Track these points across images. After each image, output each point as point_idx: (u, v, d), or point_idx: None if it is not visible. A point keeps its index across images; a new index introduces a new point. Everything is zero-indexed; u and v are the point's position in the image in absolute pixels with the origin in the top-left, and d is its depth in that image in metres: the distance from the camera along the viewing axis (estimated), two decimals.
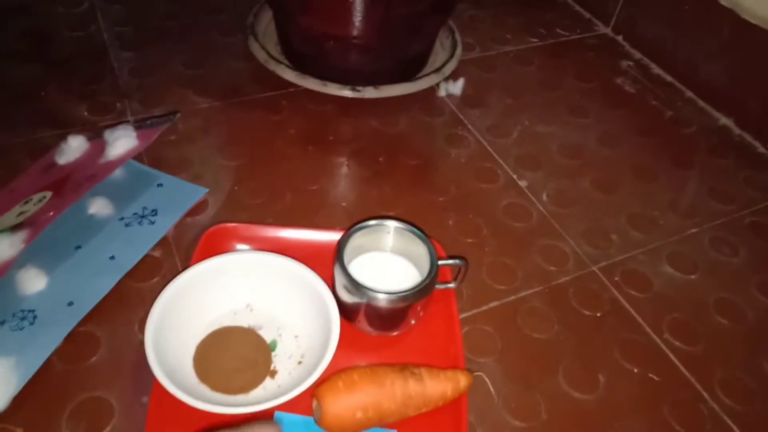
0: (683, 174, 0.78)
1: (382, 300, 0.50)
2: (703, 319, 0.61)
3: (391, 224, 0.54)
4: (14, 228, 0.55)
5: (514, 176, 0.74)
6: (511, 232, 0.67)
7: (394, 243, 0.56)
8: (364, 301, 0.50)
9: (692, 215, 0.72)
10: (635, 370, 0.55)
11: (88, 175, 0.60)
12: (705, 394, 0.54)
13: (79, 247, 0.57)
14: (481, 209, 0.69)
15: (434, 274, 0.51)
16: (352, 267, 0.54)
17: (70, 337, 0.52)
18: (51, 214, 0.55)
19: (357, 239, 0.54)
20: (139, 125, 0.70)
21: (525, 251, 0.65)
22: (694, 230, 0.70)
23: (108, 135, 0.64)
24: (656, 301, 0.62)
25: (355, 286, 0.50)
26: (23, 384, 0.48)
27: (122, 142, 0.61)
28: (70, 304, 0.53)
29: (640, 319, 0.60)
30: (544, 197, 0.72)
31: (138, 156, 0.68)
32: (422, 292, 0.51)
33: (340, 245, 0.52)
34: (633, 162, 0.78)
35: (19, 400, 0.48)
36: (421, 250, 0.54)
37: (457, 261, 0.54)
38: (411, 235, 0.54)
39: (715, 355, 0.57)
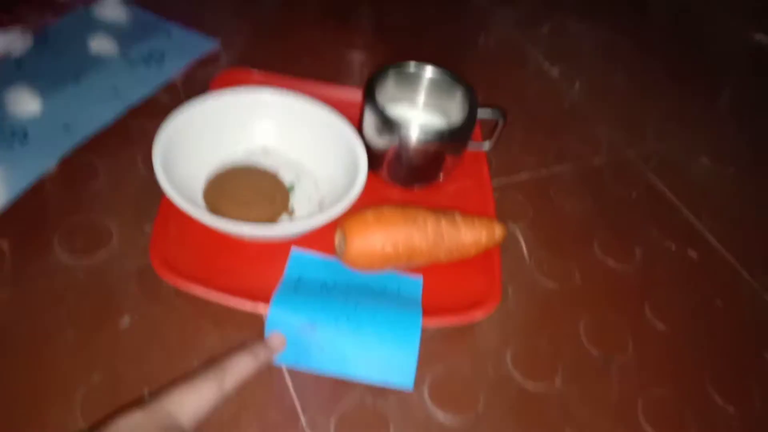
0: (720, 81, 0.74)
1: (414, 139, 0.45)
2: (743, 207, 0.58)
3: (428, 70, 0.50)
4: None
5: (546, 65, 0.70)
6: (544, 114, 0.63)
7: (427, 95, 0.51)
8: (394, 141, 0.46)
9: (729, 118, 0.68)
10: (673, 247, 0.52)
11: None
12: (745, 274, 0.51)
13: (78, 77, 0.52)
14: (510, 92, 0.65)
15: (472, 118, 0.47)
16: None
17: (67, 163, 0.47)
18: (47, 19, 0.49)
19: (388, 83, 0.49)
20: None
21: (557, 133, 0.61)
22: (730, 130, 0.66)
23: None
24: (693, 188, 0.58)
25: (385, 123, 0.46)
26: (12, 198, 0.43)
27: None
28: (66, 127, 0.48)
29: (677, 202, 0.56)
30: (577, 86, 0.68)
31: (142, 3, 0.62)
32: (457, 135, 0.47)
33: (371, 83, 0.48)
34: (668, 64, 0.74)
35: (5, 216, 0.43)
36: (456, 100, 0.49)
37: (496, 112, 0.49)
38: (448, 82, 0.50)
39: (754, 240, 0.54)
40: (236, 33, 0.64)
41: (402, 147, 0.46)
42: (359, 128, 0.48)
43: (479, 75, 0.64)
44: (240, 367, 0.34)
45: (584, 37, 0.76)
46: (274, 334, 0.37)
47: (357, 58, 0.65)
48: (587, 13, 0.80)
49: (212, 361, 0.33)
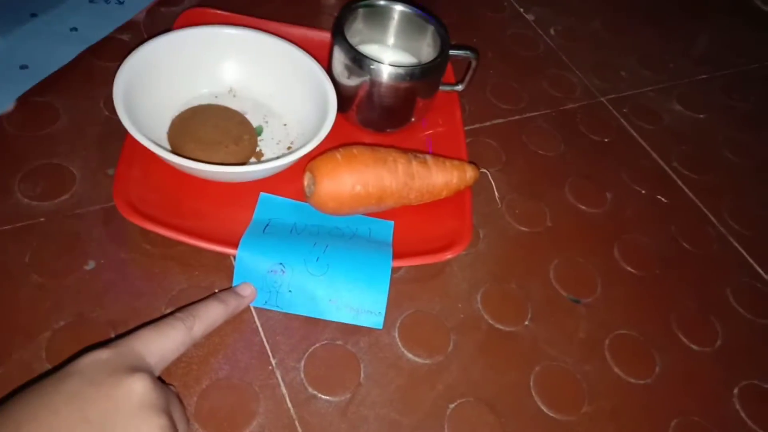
0: (696, 25, 0.74)
1: (385, 75, 0.44)
2: (712, 153, 0.58)
3: (398, 6, 0.48)
4: None
5: (521, 10, 0.68)
6: (518, 59, 0.62)
7: (397, 33, 0.50)
8: (365, 80, 0.45)
9: (703, 63, 0.68)
10: (643, 192, 0.52)
11: None
12: (712, 218, 0.52)
13: (35, 15, 0.50)
14: (485, 35, 0.64)
15: (445, 56, 0.46)
16: None
17: (25, 104, 0.45)
18: None
19: (357, 22, 0.48)
20: None
21: (531, 78, 0.60)
22: (704, 76, 0.66)
23: None
24: (665, 134, 0.58)
25: (354, 61, 0.44)
26: None
27: None
28: (24, 67, 0.46)
29: (648, 148, 0.56)
30: (552, 32, 0.66)
31: None
32: (429, 73, 0.46)
33: (339, 20, 0.46)
34: (645, 9, 0.74)
35: None
36: (428, 39, 0.48)
37: (468, 51, 0.49)
38: (418, 19, 0.48)
39: (723, 185, 0.55)
40: None
41: (373, 86, 0.45)
42: (328, 70, 0.47)
43: (454, 18, 0.63)
44: (209, 314, 0.34)
45: None
46: (244, 284, 0.37)
47: (330, 7, 0.63)
48: None
49: (181, 310, 0.33)
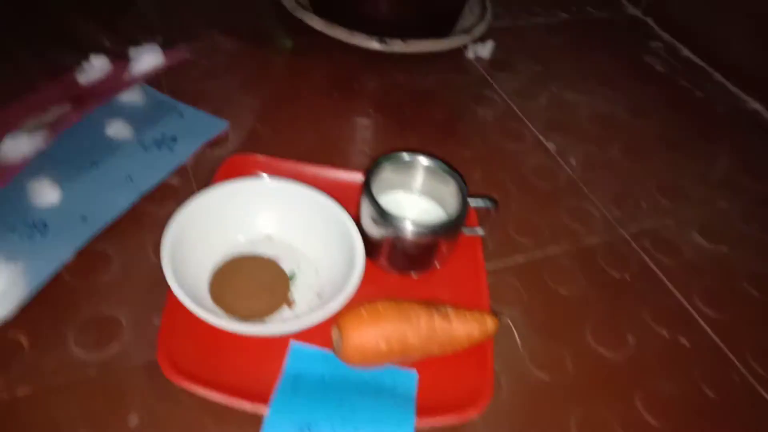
0: (713, 149, 0.76)
1: (409, 232, 0.47)
2: (734, 288, 0.59)
3: (422, 160, 0.52)
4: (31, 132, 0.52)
5: (542, 138, 0.72)
6: (538, 191, 0.65)
7: (423, 182, 0.54)
8: (390, 233, 0.48)
9: (722, 189, 0.70)
10: (665, 334, 0.53)
11: (111, 88, 0.57)
12: (736, 362, 0.52)
13: (95, 163, 0.55)
14: (507, 167, 0.67)
15: (464, 210, 0.49)
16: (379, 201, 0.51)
17: (82, 253, 0.50)
18: (71, 119, 0.52)
19: (385, 172, 0.52)
20: (166, 44, 0.67)
21: (552, 210, 0.63)
22: (724, 203, 0.68)
23: (133, 52, 0.61)
24: (686, 268, 0.59)
25: (382, 215, 0.48)
26: (31, 292, 0.46)
27: (148, 57, 0.58)
28: (84, 218, 0.51)
29: (670, 285, 0.58)
30: (573, 161, 0.69)
31: (158, 86, 0.65)
32: (451, 228, 0.49)
33: (368, 175, 0.50)
34: (662, 134, 0.76)
35: (25, 309, 0.45)
36: (450, 189, 0.52)
37: (487, 201, 0.52)
38: (441, 172, 0.52)
39: (746, 324, 0.55)
40: (243, 108, 0.67)
41: (397, 239, 0.48)
42: (358, 218, 0.50)
43: (475, 148, 0.67)
44: None
45: (581, 107, 0.78)
46: None
47: (360, 135, 0.68)
48: (583, 83, 0.83)
49: None
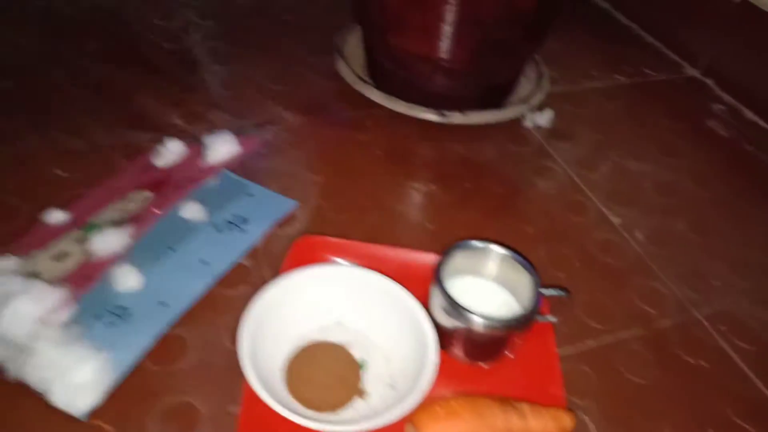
0: None
1: (481, 325, 0.47)
2: None
3: (494, 249, 0.52)
4: (117, 223, 0.55)
5: (606, 211, 0.71)
6: (606, 268, 0.64)
7: (495, 269, 0.54)
8: (461, 325, 0.48)
9: None
10: (751, 430, 0.51)
11: (188, 177, 0.60)
12: None
13: (172, 248, 0.57)
14: (572, 242, 0.66)
15: (537, 302, 0.49)
16: (450, 289, 0.52)
17: (160, 339, 0.51)
18: (156, 212, 0.55)
19: (457, 260, 0.52)
20: (239, 132, 0.70)
21: (621, 290, 0.62)
22: None
23: (206, 139, 0.64)
24: (766, 354, 0.57)
25: (454, 307, 0.48)
26: (117, 380, 0.47)
27: (224, 147, 0.61)
28: (163, 304, 0.52)
29: (751, 374, 0.55)
30: (638, 235, 0.68)
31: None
32: (524, 321, 0.48)
33: (440, 264, 0.50)
34: (730, 203, 0.75)
35: (110, 397, 0.47)
36: (522, 278, 0.51)
37: (561, 291, 0.51)
38: (514, 262, 0.52)
39: None
40: (308, 185, 0.69)
41: (469, 330, 0.48)
42: (429, 306, 0.51)
43: (539, 224, 0.67)
44: None
45: (643, 177, 0.77)
46: None
47: (422, 209, 0.69)
48: (645, 150, 0.82)
49: None
